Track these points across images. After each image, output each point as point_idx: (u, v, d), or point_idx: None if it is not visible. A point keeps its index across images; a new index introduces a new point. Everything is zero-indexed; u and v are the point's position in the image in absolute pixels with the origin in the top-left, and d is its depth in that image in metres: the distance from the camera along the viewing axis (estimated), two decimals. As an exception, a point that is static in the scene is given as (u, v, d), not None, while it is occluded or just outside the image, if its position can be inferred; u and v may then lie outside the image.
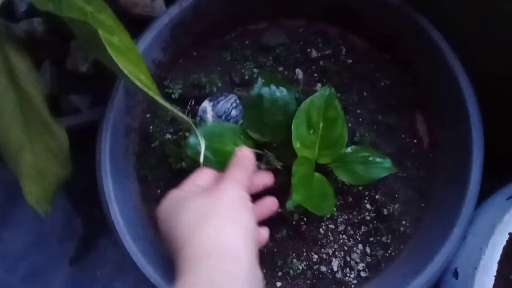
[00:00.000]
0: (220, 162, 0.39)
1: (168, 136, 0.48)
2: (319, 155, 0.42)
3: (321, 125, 0.41)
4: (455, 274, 0.40)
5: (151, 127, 0.48)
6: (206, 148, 0.38)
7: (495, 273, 0.36)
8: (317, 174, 0.41)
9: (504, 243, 0.36)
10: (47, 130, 0.45)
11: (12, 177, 0.74)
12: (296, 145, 0.41)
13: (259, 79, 0.41)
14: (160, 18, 0.44)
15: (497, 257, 0.36)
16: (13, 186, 0.71)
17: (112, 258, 0.70)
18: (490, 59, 0.48)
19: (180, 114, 0.34)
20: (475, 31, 0.47)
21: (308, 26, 0.53)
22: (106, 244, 0.71)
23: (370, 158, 0.41)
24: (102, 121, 0.42)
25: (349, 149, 0.42)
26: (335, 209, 0.47)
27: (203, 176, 0.37)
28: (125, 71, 0.30)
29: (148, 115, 0.49)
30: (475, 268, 0.37)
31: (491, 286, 0.35)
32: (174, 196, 0.35)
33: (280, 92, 0.41)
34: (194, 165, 0.46)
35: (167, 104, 0.33)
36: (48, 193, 0.48)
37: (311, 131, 0.41)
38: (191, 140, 0.40)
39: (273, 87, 0.41)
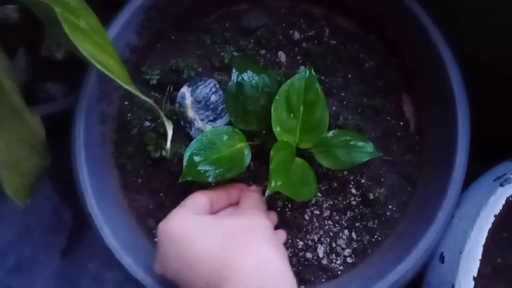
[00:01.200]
0: (223, 169, 0.38)
1: (147, 123, 0.46)
2: (300, 139, 0.40)
3: (301, 108, 0.40)
4: (441, 259, 0.39)
5: (129, 114, 0.47)
6: (204, 163, 0.37)
7: (480, 257, 0.34)
8: (298, 159, 0.40)
9: (490, 225, 0.35)
10: (20, 119, 0.43)
11: None
12: (276, 129, 0.39)
13: (233, 68, 0.40)
14: (132, 0, 0.42)
15: (482, 240, 0.35)
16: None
17: (102, 251, 0.69)
18: (482, 43, 0.47)
19: (149, 101, 0.32)
20: (467, 13, 0.45)
21: (291, 7, 0.51)
22: (95, 236, 0.70)
23: (352, 142, 0.40)
24: (75, 109, 0.41)
25: (330, 133, 0.41)
26: (320, 194, 0.45)
27: (203, 200, 0.37)
28: (86, 55, 0.29)
29: (126, 102, 0.47)
30: (460, 253, 0.35)
31: (476, 270, 0.34)
32: (187, 222, 0.34)
33: (260, 77, 0.40)
34: (176, 152, 0.45)
35: (132, 89, 0.31)
36: (26, 184, 0.46)
37: (291, 115, 0.40)
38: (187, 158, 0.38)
39: (249, 73, 0.40)
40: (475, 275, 0.34)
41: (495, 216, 0.35)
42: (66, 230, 0.71)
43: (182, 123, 0.46)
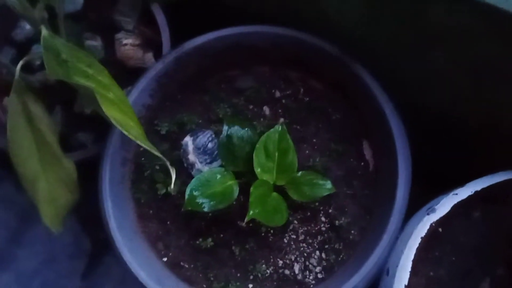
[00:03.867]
0: (216, 201, 0.50)
1: (157, 167, 0.59)
2: (276, 178, 0.52)
3: (276, 154, 0.52)
4: (387, 272, 0.49)
5: (143, 158, 0.59)
6: (201, 196, 0.49)
7: (409, 270, 0.45)
8: (274, 194, 0.52)
9: (417, 245, 0.46)
10: (59, 163, 0.55)
11: (26, 201, 0.84)
12: (257, 170, 0.51)
13: (225, 125, 0.52)
14: (148, 72, 0.56)
15: (411, 256, 0.45)
16: (27, 209, 0.82)
17: (117, 274, 0.79)
18: (424, 97, 0.59)
19: (159, 155, 0.44)
20: (409, 74, 0.58)
21: (273, 72, 0.64)
22: (111, 262, 0.79)
23: (315, 181, 0.52)
24: (102, 155, 0.53)
25: (299, 174, 0.52)
26: (296, 222, 0.56)
27: None
28: (114, 121, 0.41)
29: (141, 148, 0.60)
30: (397, 266, 0.46)
31: (407, 280, 0.45)
32: None
33: (244, 131, 0.52)
34: (179, 190, 0.57)
35: (147, 146, 0.43)
36: (60, 215, 0.57)
37: (269, 159, 0.52)
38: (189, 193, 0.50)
39: (237, 127, 0.52)
40: (406, 284, 0.45)
41: (421, 237, 0.46)
42: (86, 256, 0.79)
43: (185, 165, 0.59)
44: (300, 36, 0.57)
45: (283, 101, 0.63)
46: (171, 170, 0.43)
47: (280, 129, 0.52)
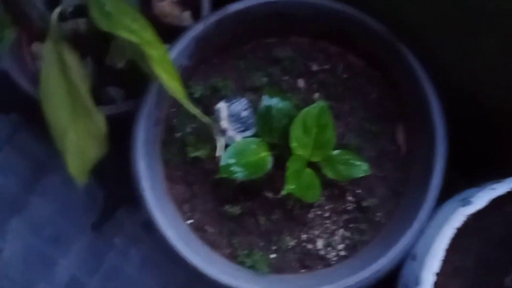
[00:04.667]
0: (249, 171, 0.50)
1: (189, 129, 0.58)
2: (312, 154, 0.51)
3: (314, 130, 0.51)
4: (414, 257, 0.49)
5: (175, 120, 0.58)
6: (236, 164, 0.49)
7: (441, 258, 0.45)
8: (308, 169, 0.51)
9: (451, 235, 0.46)
10: (90, 116, 0.54)
11: (42, 150, 0.83)
12: (293, 144, 0.51)
13: (264, 95, 0.51)
14: (187, 32, 0.54)
15: (444, 246, 0.45)
16: (43, 158, 0.81)
17: (128, 228, 0.79)
18: (464, 82, 0.57)
19: (204, 118, 0.43)
20: (453, 58, 0.56)
21: (312, 44, 0.62)
22: (123, 216, 0.80)
23: (351, 161, 0.51)
24: (138, 114, 0.52)
25: (336, 152, 0.52)
26: (323, 198, 0.56)
27: None
28: (164, 81, 0.40)
29: (173, 109, 0.59)
30: (426, 253, 0.46)
31: (438, 268, 0.45)
32: None
33: (284, 103, 0.51)
34: (209, 155, 0.56)
35: (193, 109, 0.42)
36: (87, 167, 0.57)
37: (306, 134, 0.51)
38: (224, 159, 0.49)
39: (276, 99, 0.51)
40: (437, 272, 0.45)
41: (456, 228, 0.46)
42: (98, 209, 0.80)
43: (214, 131, 0.58)
44: (347, 10, 0.55)
45: (320, 75, 0.61)
46: (218, 139, 0.42)
47: (322, 105, 0.51)
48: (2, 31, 0.44)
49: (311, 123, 0.51)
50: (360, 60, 0.61)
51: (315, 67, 0.61)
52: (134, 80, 0.61)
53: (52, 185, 0.81)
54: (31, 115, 0.82)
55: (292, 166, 0.48)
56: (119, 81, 0.61)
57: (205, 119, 0.43)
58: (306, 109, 0.51)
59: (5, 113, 0.82)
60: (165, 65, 0.45)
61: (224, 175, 0.49)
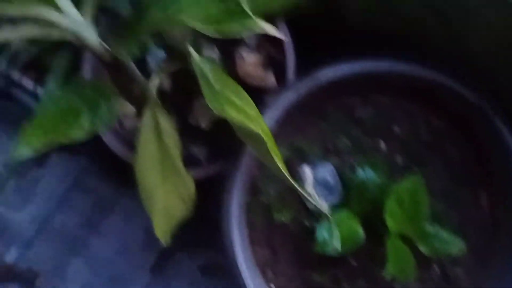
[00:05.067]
0: (345, 246, 0.50)
1: (273, 191, 0.58)
2: (406, 228, 0.51)
3: (409, 204, 0.50)
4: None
5: (260, 182, 0.58)
6: (331, 239, 0.49)
7: None
8: (404, 246, 0.51)
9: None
10: (179, 177, 0.55)
11: (105, 190, 0.85)
12: (387, 218, 0.50)
13: (359, 167, 0.52)
14: (279, 101, 0.54)
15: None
16: (105, 200, 0.83)
17: (187, 272, 0.80)
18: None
19: (295, 185, 0.43)
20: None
21: (394, 103, 0.61)
22: (182, 258, 0.80)
23: (446, 237, 0.51)
24: (232, 179, 0.53)
25: (430, 227, 0.51)
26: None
27: None
28: (279, 165, 0.40)
29: (257, 172, 0.59)
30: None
31: None
32: None
33: (377, 176, 0.51)
34: (293, 218, 0.56)
35: (295, 185, 0.42)
36: (171, 227, 0.57)
37: (400, 208, 0.50)
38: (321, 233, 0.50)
39: (370, 171, 0.51)
40: None
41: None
42: (157, 250, 0.81)
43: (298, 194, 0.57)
44: (437, 78, 0.55)
45: (401, 136, 0.61)
46: (321, 206, 0.42)
47: (417, 180, 0.51)
48: (111, 103, 0.45)
49: (406, 197, 0.50)
50: (443, 121, 0.60)
51: (396, 128, 0.61)
52: (216, 140, 0.62)
53: (113, 225, 0.82)
54: (97, 156, 0.84)
55: (391, 245, 0.48)
56: (202, 140, 0.62)
57: (295, 185, 0.43)
58: (402, 183, 0.50)
59: (72, 154, 0.83)
60: (269, 142, 0.45)
61: (321, 251, 0.49)
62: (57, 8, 0.35)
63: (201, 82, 0.44)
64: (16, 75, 0.77)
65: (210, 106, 0.43)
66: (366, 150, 0.60)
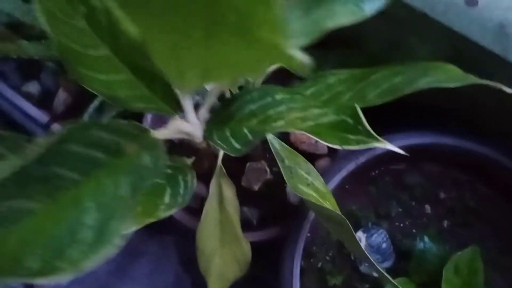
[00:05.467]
0: None
1: (327, 257, 0.59)
2: (464, 298, 0.53)
3: (466, 273, 0.52)
4: None
5: (313, 247, 0.60)
6: None
7: None
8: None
9: None
10: (237, 243, 0.57)
11: (134, 235, 0.86)
12: (444, 286, 0.52)
13: (419, 240, 0.54)
14: (340, 172, 0.57)
15: None
16: (132, 244, 0.84)
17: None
18: None
19: (382, 271, 0.45)
20: None
21: (442, 171, 0.64)
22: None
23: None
24: (292, 247, 0.55)
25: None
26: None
27: None
28: (362, 249, 0.42)
29: (308, 234, 0.60)
30: None
31: None
32: None
33: (437, 247, 0.53)
34: (346, 282, 0.58)
35: (374, 263, 0.44)
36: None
37: (458, 277, 0.52)
38: None
39: (430, 243, 0.53)
40: None
41: None
42: None
43: (352, 257, 0.59)
44: (490, 155, 0.58)
45: (447, 202, 0.63)
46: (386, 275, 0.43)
47: (474, 251, 0.53)
48: (188, 178, 0.47)
49: (464, 267, 0.52)
50: (490, 189, 0.63)
51: (442, 195, 0.63)
52: (268, 202, 0.64)
53: (142, 270, 0.83)
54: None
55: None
56: (254, 202, 0.64)
57: (373, 261, 0.45)
58: (460, 254, 0.52)
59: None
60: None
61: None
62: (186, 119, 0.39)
63: (279, 163, 0.46)
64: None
65: (287, 182, 0.46)
66: (414, 215, 0.62)
